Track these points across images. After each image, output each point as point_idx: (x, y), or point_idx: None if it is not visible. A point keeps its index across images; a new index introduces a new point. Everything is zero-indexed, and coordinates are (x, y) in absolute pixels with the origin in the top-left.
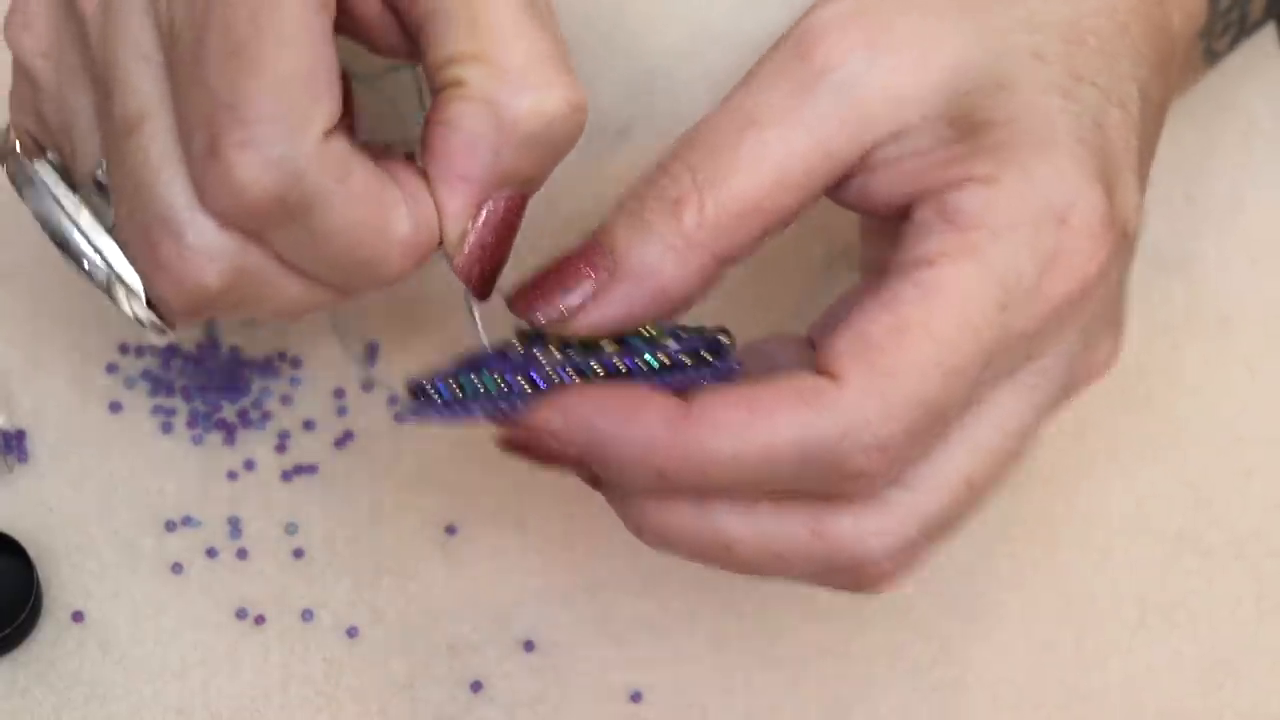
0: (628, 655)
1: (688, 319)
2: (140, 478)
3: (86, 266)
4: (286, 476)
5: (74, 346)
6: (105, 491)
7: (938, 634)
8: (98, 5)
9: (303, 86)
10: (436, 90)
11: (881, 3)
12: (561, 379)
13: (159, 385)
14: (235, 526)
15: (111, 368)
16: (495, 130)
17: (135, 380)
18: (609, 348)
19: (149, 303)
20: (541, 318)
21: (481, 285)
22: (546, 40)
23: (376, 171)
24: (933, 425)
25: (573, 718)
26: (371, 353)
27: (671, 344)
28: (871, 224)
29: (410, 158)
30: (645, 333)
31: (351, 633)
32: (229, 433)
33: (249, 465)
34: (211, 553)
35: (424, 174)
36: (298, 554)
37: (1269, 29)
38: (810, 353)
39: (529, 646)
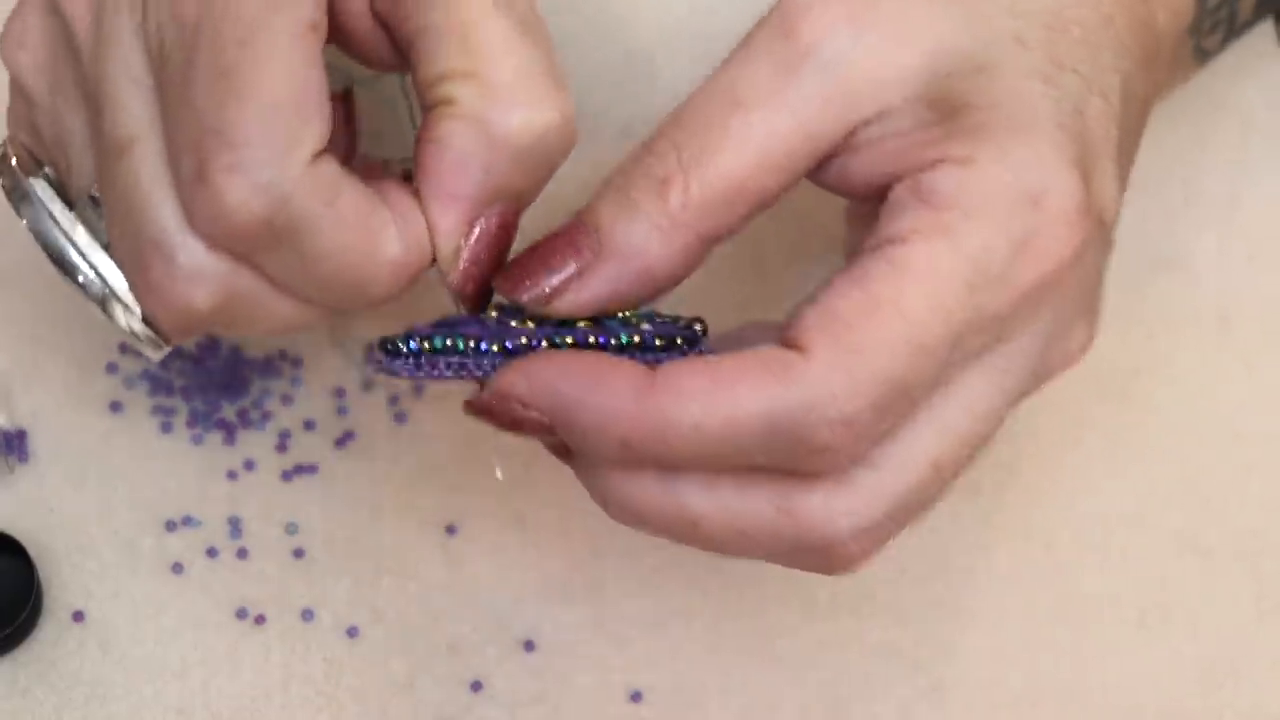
0: (628, 655)
1: (669, 308)
2: (140, 478)
3: (81, 282)
4: (286, 476)
5: (74, 346)
6: (105, 491)
7: (937, 634)
8: (90, 25)
9: (290, 111)
10: (427, 107)
11: None
12: (531, 346)
13: (159, 385)
14: (235, 526)
15: (111, 368)
16: (486, 148)
17: (135, 380)
18: (585, 325)
19: (144, 319)
20: (526, 297)
21: (475, 300)
22: (537, 55)
23: (366, 193)
24: (899, 403)
25: (573, 718)
26: (371, 353)
27: (646, 326)
28: (858, 211)
29: (408, 175)
30: (622, 316)
31: (351, 633)
32: (229, 433)
33: (249, 465)
34: (212, 553)
35: (417, 193)
36: (298, 554)
37: (1266, 28)
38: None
39: (529, 646)
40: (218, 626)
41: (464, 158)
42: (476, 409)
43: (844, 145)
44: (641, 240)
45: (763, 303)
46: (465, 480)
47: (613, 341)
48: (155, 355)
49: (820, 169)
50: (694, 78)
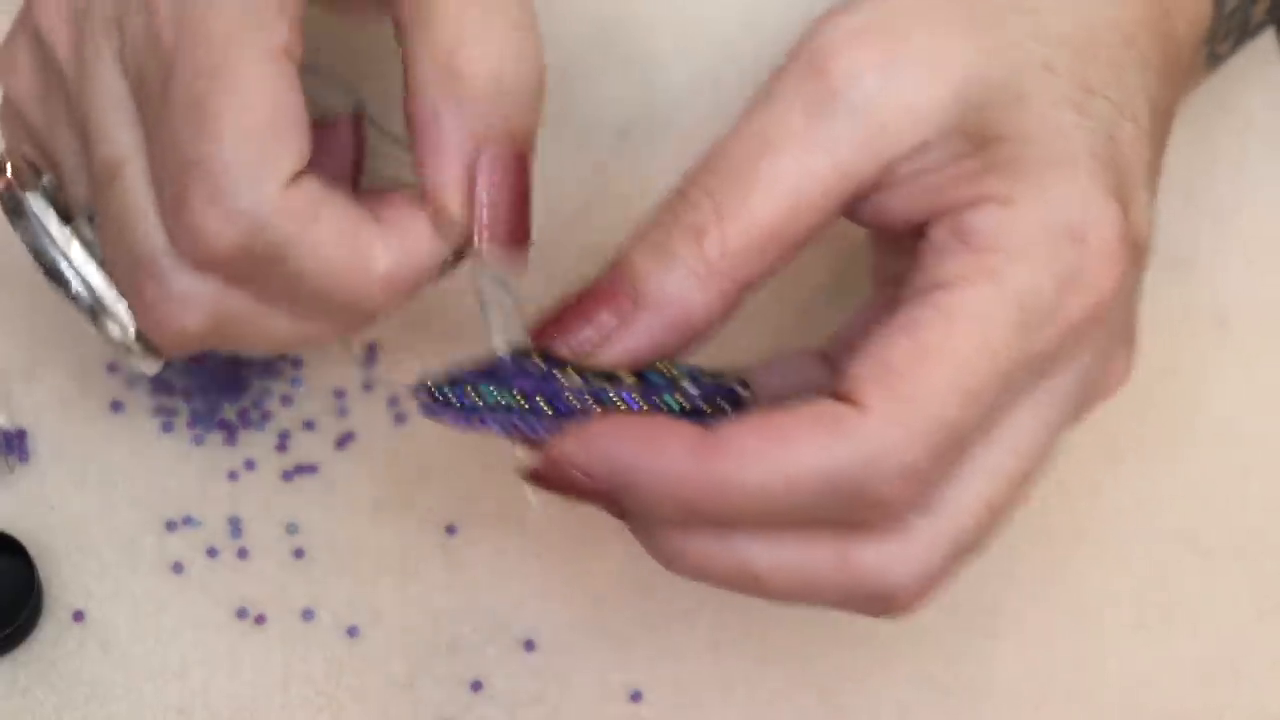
0: (628, 655)
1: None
2: (141, 477)
3: (74, 296)
4: (287, 476)
5: (74, 346)
6: (106, 491)
7: (937, 634)
8: (71, 53)
9: (264, 137)
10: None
11: (890, 19)
12: (582, 406)
13: (159, 385)
14: (235, 526)
15: (112, 368)
16: (450, 93)
17: (136, 380)
18: (627, 379)
19: (139, 335)
20: (565, 349)
21: (510, 246)
22: None
23: (351, 210)
24: (954, 449)
25: (573, 718)
26: (371, 353)
27: (690, 387)
28: (883, 237)
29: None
30: (663, 368)
31: (351, 633)
32: (229, 433)
33: (249, 465)
34: (212, 552)
35: (416, 204)
36: (298, 554)
37: (1268, 31)
38: (825, 369)
39: (529, 646)
40: (218, 626)
41: (434, 109)
42: (535, 477)
43: (879, 182)
44: (680, 290)
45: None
46: (465, 480)
47: (660, 405)
48: (150, 370)
49: (855, 206)
50: (693, 80)
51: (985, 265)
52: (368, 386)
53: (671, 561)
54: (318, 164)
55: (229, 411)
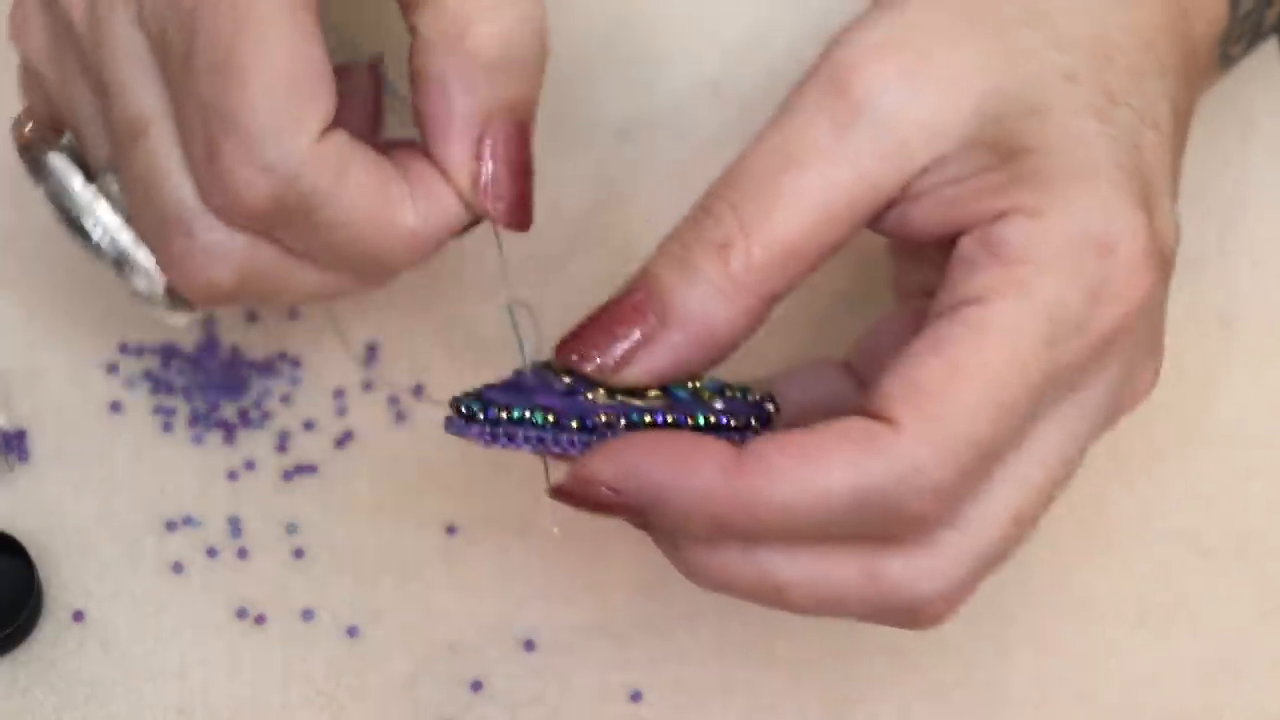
0: (628, 655)
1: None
2: (140, 478)
3: (100, 252)
4: (287, 476)
5: (74, 347)
6: (105, 491)
7: (937, 635)
8: (85, 14)
9: (291, 90)
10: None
11: (911, 33)
12: (610, 423)
13: (159, 385)
14: (235, 526)
15: (112, 368)
16: (457, 68)
17: (135, 380)
18: (654, 395)
19: (167, 288)
20: (589, 367)
21: (512, 218)
22: None
23: (379, 166)
24: (985, 465)
25: (573, 718)
26: (371, 353)
27: (718, 403)
28: (903, 246)
29: None
30: (690, 383)
31: (351, 633)
32: (229, 433)
33: (249, 465)
34: (212, 552)
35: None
36: (298, 554)
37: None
38: (848, 379)
39: (529, 646)
40: (218, 626)
41: (441, 85)
42: (563, 495)
43: (902, 194)
44: (705, 306)
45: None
46: (465, 480)
47: (689, 422)
48: (180, 323)
49: (879, 218)
50: (694, 81)
51: (1014, 278)
52: (368, 386)
53: (696, 574)
54: (339, 117)
55: (229, 411)
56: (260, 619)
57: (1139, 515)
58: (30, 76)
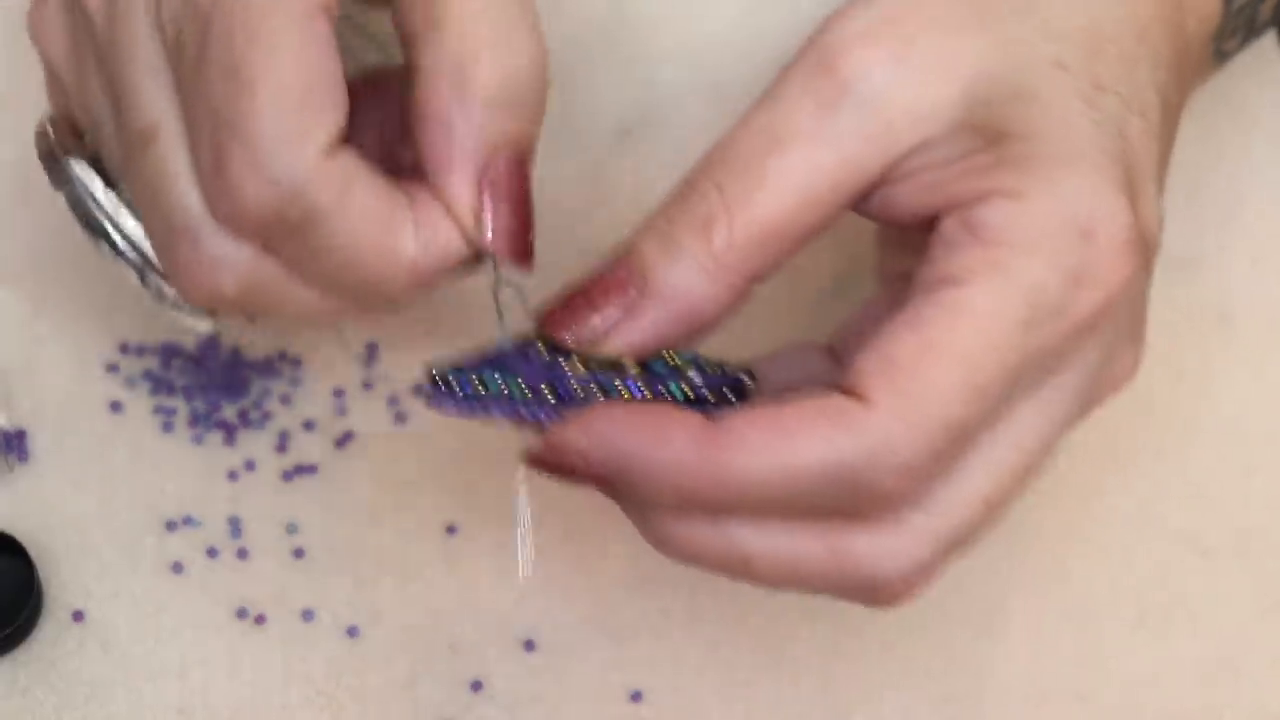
0: (628, 655)
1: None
2: (140, 478)
3: (121, 257)
4: (286, 476)
5: (74, 346)
6: (105, 491)
7: (937, 634)
8: (104, 16)
9: (299, 103)
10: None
11: (900, 16)
12: (586, 394)
13: (159, 385)
14: (235, 526)
15: (112, 368)
16: (459, 103)
17: (135, 380)
18: (632, 367)
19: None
20: (570, 338)
21: (515, 253)
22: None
23: (385, 190)
24: (956, 446)
25: (573, 718)
26: (371, 353)
27: (695, 376)
28: (889, 233)
29: None
30: (668, 357)
31: (351, 633)
32: (229, 433)
33: (249, 465)
34: (212, 552)
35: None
36: (298, 554)
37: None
38: (831, 363)
39: (529, 646)
40: (218, 626)
41: (443, 119)
42: (535, 462)
43: (887, 177)
44: (686, 281)
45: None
46: (465, 480)
47: (664, 394)
48: (202, 328)
49: (863, 200)
50: (693, 80)
51: (993, 259)
52: (368, 386)
53: (663, 544)
54: (366, 126)
55: (229, 411)
56: (260, 619)
57: (1138, 513)
58: (52, 79)
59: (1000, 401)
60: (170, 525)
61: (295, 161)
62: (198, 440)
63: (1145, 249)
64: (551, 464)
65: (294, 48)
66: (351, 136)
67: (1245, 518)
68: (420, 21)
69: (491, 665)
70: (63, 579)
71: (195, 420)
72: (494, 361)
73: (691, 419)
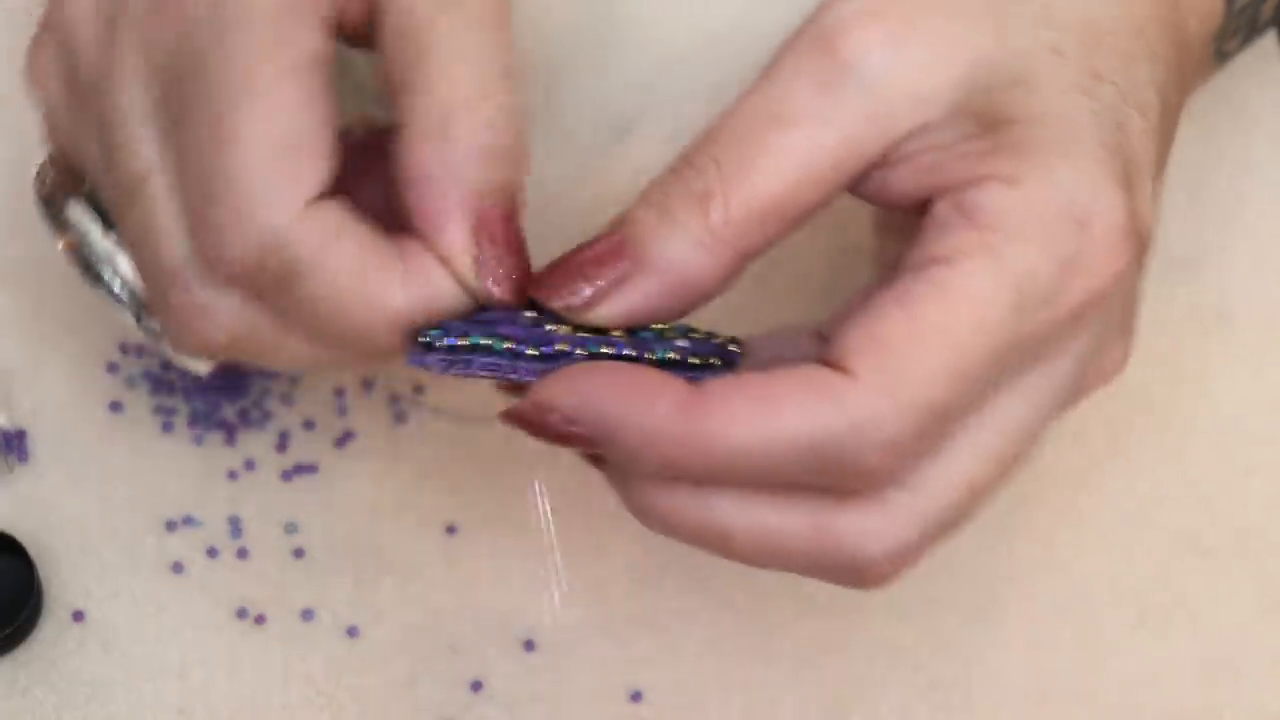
0: (628, 655)
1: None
2: (140, 477)
3: (120, 301)
4: (286, 476)
5: (74, 346)
6: (105, 491)
7: (937, 633)
8: (96, 61)
9: (284, 155)
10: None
11: (900, 1)
12: (570, 355)
13: (159, 385)
14: (235, 526)
15: (112, 368)
16: (448, 154)
17: (135, 380)
18: (619, 336)
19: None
20: (561, 305)
21: (516, 297)
22: (481, 52)
23: (373, 242)
24: (941, 426)
25: (573, 718)
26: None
27: (682, 343)
28: (887, 219)
29: None
30: (657, 329)
31: (351, 633)
32: (229, 433)
33: (249, 465)
34: (212, 552)
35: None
36: (298, 554)
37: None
38: (820, 345)
39: (529, 646)
40: (218, 626)
41: (432, 172)
42: (515, 419)
43: (884, 159)
44: (681, 255)
45: (773, 297)
46: (465, 480)
47: (649, 357)
48: (201, 369)
49: (859, 182)
50: (692, 80)
51: (985, 242)
52: (368, 386)
53: (644, 514)
54: (372, 177)
55: (229, 411)
56: (260, 619)
57: (1137, 513)
58: (49, 123)
59: (987, 385)
60: (170, 525)
61: (275, 214)
62: (198, 440)
63: (1139, 243)
64: (533, 422)
65: (280, 100)
66: (356, 188)
67: (1245, 518)
68: (403, 76)
69: (491, 665)
70: (63, 579)
71: (195, 420)
72: (480, 320)
73: (676, 384)
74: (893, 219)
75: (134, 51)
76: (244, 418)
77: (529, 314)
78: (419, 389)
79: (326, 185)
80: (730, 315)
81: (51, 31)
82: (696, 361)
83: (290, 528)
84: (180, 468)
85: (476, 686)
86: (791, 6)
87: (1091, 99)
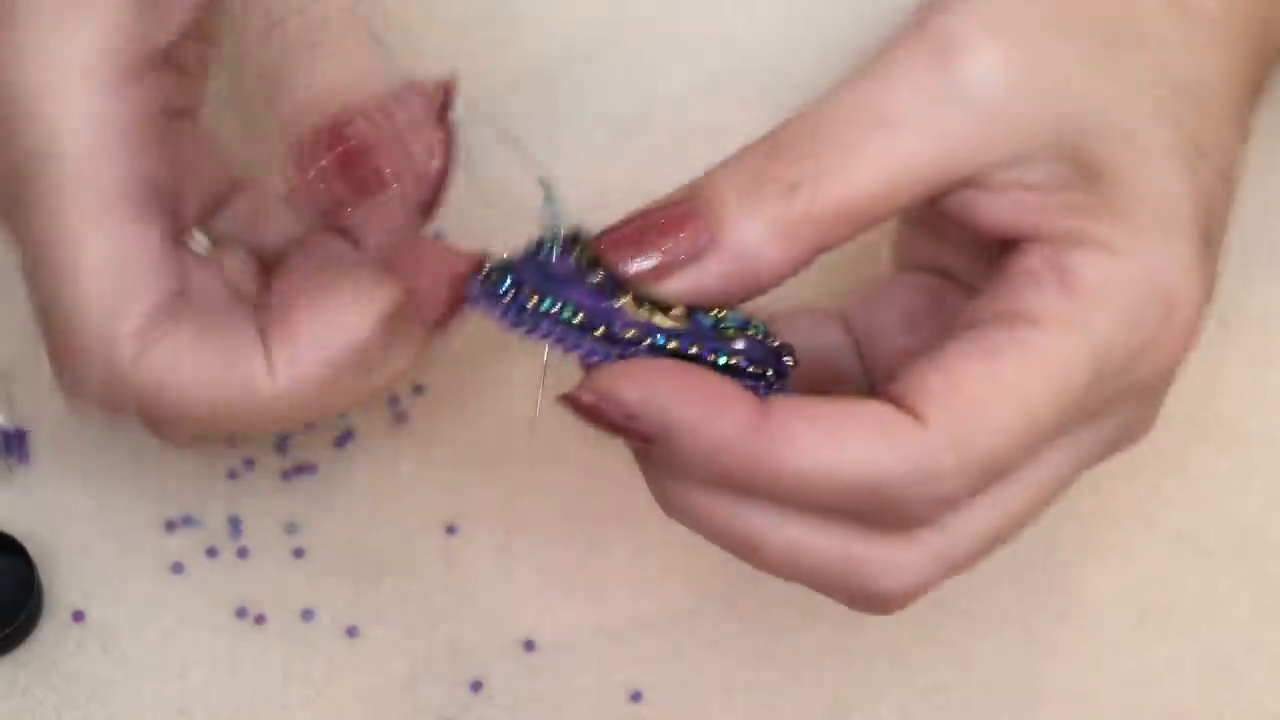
0: (628, 655)
1: None
2: (140, 478)
3: None
4: (286, 476)
5: None
6: (105, 491)
7: (937, 633)
8: None
9: (107, 292)
10: None
11: (1026, 23)
12: (635, 341)
13: None
14: (235, 526)
15: None
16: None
17: None
18: (678, 313)
19: None
20: (631, 269)
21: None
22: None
23: (221, 338)
24: (994, 482)
25: (573, 718)
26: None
27: (739, 344)
28: (920, 216)
29: None
30: (716, 315)
31: (351, 633)
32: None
33: (249, 465)
34: (211, 552)
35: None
36: (298, 554)
37: None
38: (846, 337)
39: (529, 646)
40: (218, 626)
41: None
42: (577, 406)
43: (973, 180)
44: (759, 241)
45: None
46: (465, 480)
47: (711, 357)
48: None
49: (941, 197)
50: (693, 80)
51: (1076, 311)
52: None
53: (672, 507)
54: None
55: None
56: (260, 619)
57: (1137, 514)
58: None
59: (1044, 444)
60: (170, 525)
61: (107, 352)
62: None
63: (1204, 318)
64: (594, 411)
65: (99, 238)
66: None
67: (1244, 518)
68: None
69: (491, 665)
70: (63, 579)
71: None
72: (544, 273)
73: (746, 400)
74: (926, 215)
75: None
76: None
77: (599, 276)
78: (419, 389)
79: (162, 304)
80: None
81: None
82: (754, 370)
83: (290, 528)
84: (180, 468)
85: (476, 687)
86: (791, 7)
87: (1193, 173)
